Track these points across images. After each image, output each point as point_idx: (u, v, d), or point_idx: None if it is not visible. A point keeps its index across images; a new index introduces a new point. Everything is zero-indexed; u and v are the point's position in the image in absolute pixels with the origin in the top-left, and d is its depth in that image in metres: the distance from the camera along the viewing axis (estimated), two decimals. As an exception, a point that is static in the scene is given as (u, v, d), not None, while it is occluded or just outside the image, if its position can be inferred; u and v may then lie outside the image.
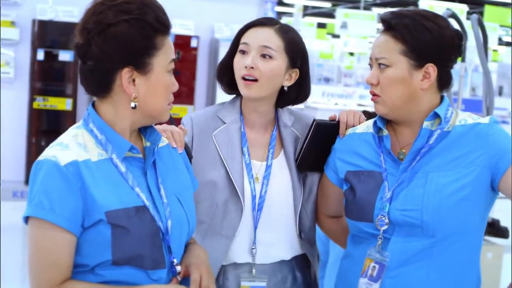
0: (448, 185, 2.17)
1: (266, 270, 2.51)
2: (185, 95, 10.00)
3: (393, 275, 2.20)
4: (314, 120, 2.54)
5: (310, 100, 18.90)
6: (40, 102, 9.48)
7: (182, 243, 2.03)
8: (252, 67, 2.46)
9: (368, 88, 2.29)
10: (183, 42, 9.90)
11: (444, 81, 2.27)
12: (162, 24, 1.93)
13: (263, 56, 2.47)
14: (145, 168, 1.99)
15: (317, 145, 2.51)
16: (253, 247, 2.48)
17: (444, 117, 2.24)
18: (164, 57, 1.94)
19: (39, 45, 9.36)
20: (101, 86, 1.94)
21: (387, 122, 2.33)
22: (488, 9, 18.59)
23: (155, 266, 1.91)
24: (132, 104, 1.92)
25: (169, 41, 1.98)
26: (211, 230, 2.49)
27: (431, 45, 2.21)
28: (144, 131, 2.05)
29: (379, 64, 2.24)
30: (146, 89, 1.92)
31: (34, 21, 9.42)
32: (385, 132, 2.29)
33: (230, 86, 2.60)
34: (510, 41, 28.43)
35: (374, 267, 2.22)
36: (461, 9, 17.30)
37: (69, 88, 9.61)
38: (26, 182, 9.57)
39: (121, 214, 1.87)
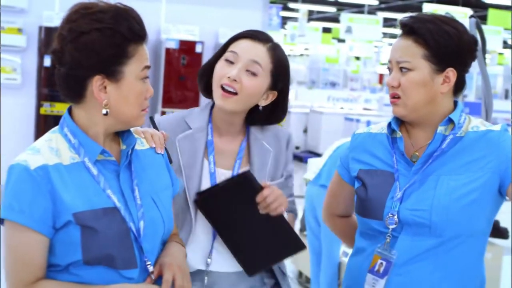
0: (458, 188, 2.22)
1: (220, 277, 2.49)
2: (190, 100, 10.06)
3: (399, 272, 2.25)
4: (245, 172, 2.41)
5: (315, 104, 18.94)
6: (47, 108, 9.55)
7: (156, 243, 2.07)
8: (235, 80, 2.39)
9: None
10: (188, 48, 9.96)
11: (459, 85, 2.33)
12: (135, 33, 1.96)
13: (248, 71, 2.41)
14: (118, 170, 2.03)
15: (231, 200, 2.41)
16: (209, 257, 2.47)
17: (458, 122, 2.29)
18: (136, 65, 1.97)
19: (45, 51, 9.42)
20: (74, 92, 1.98)
21: (401, 124, 2.38)
22: (491, 12, 18.59)
23: (127, 266, 1.96)
24: (104, 111, 1.96)
25: (143, 49, 2.00)
26: None
27: (452, 50, 2.26)
28: (121, 134, 2.10)
29: (401, 67, 2.27)
30: (117, 96, 1.96)
31: (40, 28, 9.50)
32: (399, 134, 2.34)
33: (207, 90, 2.51)
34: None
35: (381, 263, 2.27)
36: (465, 13, 17.32)
37: (76, 94, 9.66)
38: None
39: (89, 215, 1.92)
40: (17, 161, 1.93)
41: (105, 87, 1.95)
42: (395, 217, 2.25)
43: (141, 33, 1.99)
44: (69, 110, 2.03)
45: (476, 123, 2.32)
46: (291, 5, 25.52)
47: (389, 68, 2.33)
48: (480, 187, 2.22)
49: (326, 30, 27.46)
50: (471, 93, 18.92)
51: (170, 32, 10.00)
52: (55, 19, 9.41)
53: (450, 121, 2.29)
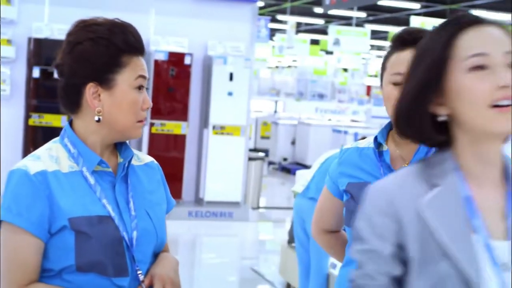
0: None
1: None
2: (179, 111, 10.08)
3: None
4: None
5: (303, 116, 19.01)
6: (36, 119, 9.55)
7: (148, 254, 2.11)
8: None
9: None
10: (177, 59, 9.99)
11: None
12: (129, 45, 2.04)
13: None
14: (114, 182, 2.09)
15: None
16: None
17: None
18: (130, 74, 2.04)
19: (34, 62, 9.44)
20: (71, 102, 2.07)
21: (388, 138, 2.42)
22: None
23: (118, 273, 2.01)
24: (96, 118, 2.03)
25: (138, 60, 2.07)
26: None
27: None
28: (119, 148, 2.15)
29: None
30: (111, 103, 2.03)
31: (30, 39, 9.50)
32: (385, 147, 2.39)
33: (434, 127, 1.67)
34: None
35: None
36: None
37: (64, 105, 9.68)
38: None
39: (84, 221, 1.98)
40: (18, 166, 2.00)
41: (99, 95, 2.03)
42: None
43: (137, 45, 2.06)
44: (70, 122, 2.11)
45: None
46: (280, 17, 25.62)
47: (399, 82, 2.30)
48: None
49: (314, 42, 27.54)
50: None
51: (159, 44, 10.03)
52: (45, 31, 9.44)
53: None
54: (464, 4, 21.43)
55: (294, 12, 23.66)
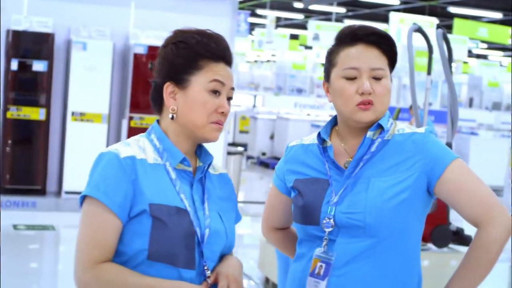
0: (388, 189, 2.31)
1: None
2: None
3: (339, 273, 2.32)
4: None
5: (282, 111, 19.04)
6: (14, 112, 9.52)
7: (216, 253, 2.20)
8: None
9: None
10: (156, 53, 9.90)
11: None
12: (208, 51, 2.19)
13: None
14: (192, 182, 2.21)
15: None
16: None
17: (385, 127, 2.39)
18: (204, 77, 2.17)
19: (13, 55, 9.40)
20: (156, 101, 2.24)
21: (332, 134, 2.48)
22: (457, 22, 18.84)
23: (186, 265, 2.11)
24: (170, 115, 2.18)
25: (216, 66, 2.19)
26: None
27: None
28: (199, 153, 2.28)
29: (377, 75, 2.35)
30: (184, 103, 2.17)
31: (8, 31, 9.46)
32: (329, 143, 2.44)
33: None
34: (480, 53, 28.74)
35: (321, 266, 2.35)
36: (431, 22, 17.55)
37: (43, 98, 9.66)
38: (1, 190, 9.56)
39: (163, 209, 2.10)
40: (109, 149, 2.13)
41: (175, 95, 2.18)
42: (331, 220, 2.34)
43: (218, 53, 2.20)
44: (158, 121, 2.26)
45: (402, 126, 2.43)
46: (259, 11, 25.62)
47: (351, 77, 2.36)
48: (409, 187, 2.31)
49: (294, 37, 27.59)
50: (436, 102, 19.12)
51: (139, 38, 10.00)
52: (23, 23, 9.39)
53: (379, 126, 2.38)
54: (443, 1, 21.53)
55: (274, 6, 23.67)
